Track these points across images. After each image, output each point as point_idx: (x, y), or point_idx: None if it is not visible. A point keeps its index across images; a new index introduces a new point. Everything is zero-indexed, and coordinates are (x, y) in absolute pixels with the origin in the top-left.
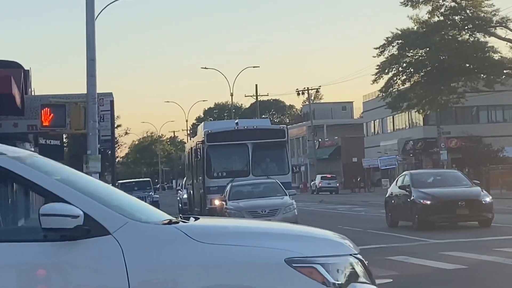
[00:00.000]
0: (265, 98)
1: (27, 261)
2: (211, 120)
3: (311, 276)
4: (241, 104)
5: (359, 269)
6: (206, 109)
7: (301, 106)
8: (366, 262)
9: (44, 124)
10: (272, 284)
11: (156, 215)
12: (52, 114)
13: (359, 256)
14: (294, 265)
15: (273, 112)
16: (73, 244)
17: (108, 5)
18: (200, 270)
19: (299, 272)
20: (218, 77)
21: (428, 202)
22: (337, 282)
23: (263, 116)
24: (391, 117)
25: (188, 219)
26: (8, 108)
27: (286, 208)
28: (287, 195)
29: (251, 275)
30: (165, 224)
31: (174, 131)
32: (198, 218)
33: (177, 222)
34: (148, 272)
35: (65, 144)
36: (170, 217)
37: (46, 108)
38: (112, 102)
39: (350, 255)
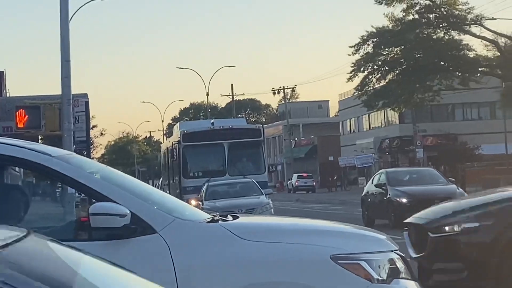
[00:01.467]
0: (241, 98)
1: None
2: (186, 120)
3: (356, 272)
4: (217, 104)
5: (400, 265)
6: (182, 109)
7: (277, 105)
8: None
9: (19, 125)
10: (318, 280)
11: (197, 214)
12: (27, 116)
13: (399, 252)
14: (339, 261)
15: (249, 112)
16: (121, 243)
17: (82, 5)
18: (247, 267)
19: (345, 268)
20: (194, 77)
21: (404, 200)
22: (381, 278)
23: (239, 115)
24: (367, 115)
25: (226, 217)
26: None
27: (262, 208)
28: (263, 194)
29: (298, 272)
30: (209, 222)
31: (150, 131)
32: (237, 217)
33: (219, 221)
34: (196, 271)
35: None
36: (210, 215)
37: (21, 110)
38: (87, 103)
39: (392, 251)
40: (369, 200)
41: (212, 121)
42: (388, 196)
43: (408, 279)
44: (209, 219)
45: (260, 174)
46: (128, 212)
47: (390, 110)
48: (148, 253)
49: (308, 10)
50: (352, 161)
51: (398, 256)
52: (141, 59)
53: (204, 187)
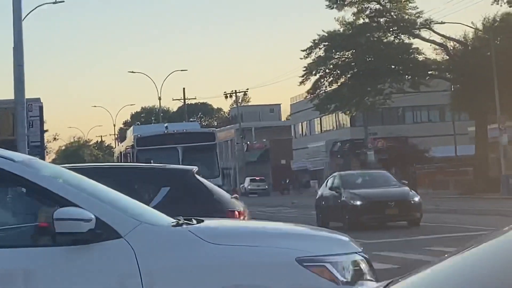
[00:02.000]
0: (193, 102)
1: (41, 265)
2: (138, 124)
3: (322, 275)
4: (169, 108)
5: (364, 266)
6: (134, 113)
7: (229, 109)
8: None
9: None
10: (284, 283)
11: (162, 218)
12: None
13: (363, 254)
14: (305, 264)
15: (201, 116)
16: (86, 248)
17: (34, 9)
18: (213, 271)
19: (310, 271)
20: (145, 81)
21: (358, 203)
22: (345, 280)
23: (191, 119)
24: (319, 119)
25: (190, 220)
26: None
27: None
28: None
29: (264, 275)
30: (174, 226)
31: (101, 136)
32: (202, 220)
33: (184, 224)
34: (162, 275)
35: None
36: (175, 219)
37: None
38: (41, 108)
39: (356, 253)
40: (323, 203)
41: (165, 125)
42: (342, 198)
43: (372, 280)
44: (174, 223)
45: (215, 178)
46: (93, 216)
47: (341, 113)
48: (113, 258)
49: (260, 14)
50: (304, 164)
51: (362, 258)
52: (92, 63)
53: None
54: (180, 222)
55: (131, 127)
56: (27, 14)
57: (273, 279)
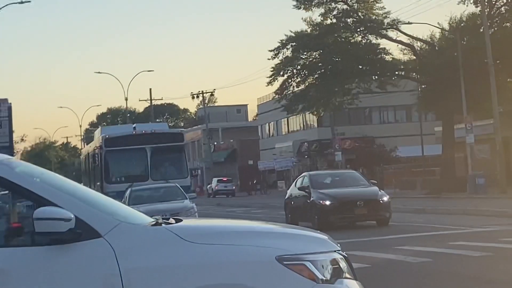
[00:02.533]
0: (159, 102)
1: (20, 265)
2: (104, 125)
3: (301, 273)
4: (135, 109)
5: (343, 264)
6: (100, 114)
7: (196, 110)
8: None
9: None
10: (264, 281)
11: (141, 217)
12: None
13: (342, 252)
14: (285, 262)
15: (168, 116)
16: (66, 248)
17: (0, 8)
18: (193, 270)
19: (290, 269)
20: (112, 82)
21: (327, 203)
22: (325, 278)
23: (158, 120)
24: (286, 119)
25: (168, 220)
26: None
27: (187, 212)
28: (187, 198)
29: (243, 273)
30: (153, 225)
31: (67, 137)
32: (180, 220)
33: (163, 224)
34: (142, 274)
35: None
36: (153, 218)
37: None
38: (10, 108)
39: (335, 251)
40: (292, 203)
41: (134, 125)
42: (312, 198)
43: (351, 278)
44: (153, 222)
45: (183, 179)
46: (73, 216)
47: (309, 113)
48: (93, 257)
49: (226, 13)
50: (272, 165)
51: (341, 256)
52: (58, 64)
53: (127, 192)
54: (159, 221)
55: (99, 128)
56: None
57: (253, 277)
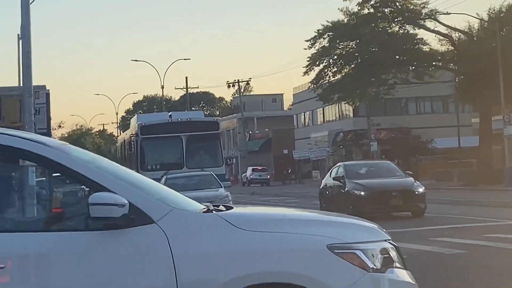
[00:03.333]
0: (195, 91)
1: (75, 250)
2: (140, 112)
3: (352, 262)
4: (171, 97)
5: (393, 254)
6: (136, 101)
7: (231, 99)
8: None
9: None
10: (315, 269)
11: (192, 204)
12: None
13: (392, 241)
14: (336, 251)
15: (203, 105)
16: (119, 233)
17: None
18: (244, 257)
19: (341, 257)
20: (148, 70)
21: (362, 193)
22: (375, 267)
23: (193, 108)
24: (321, 109)
25: (218, 207)
26: None
27: (221, 200)
28: (222, 187)
29: (295, 261)
30: (204, 212)
31: (103, 124)
32: (231, 207)
33: (213, 210)
34: (194, 260)
35: None
36: (204, 205)
37: None
38: (47, 95)
39: (385, 240)
40: (327, 192)
41: (170, 113)
42: (346, 188)
43: (401, 268)
44: (204, 209)
45: (218, 167)
46: (127, 202)
47: (345, 103)
48: (147, 242)
49: (264, 3)
50: (307, 155)
51: (392, 246)
52: (96, 51)
53: (163, 180)
54: (210, 208)
55: (135, 116)
56: (33, 1)
57: (304, 265)
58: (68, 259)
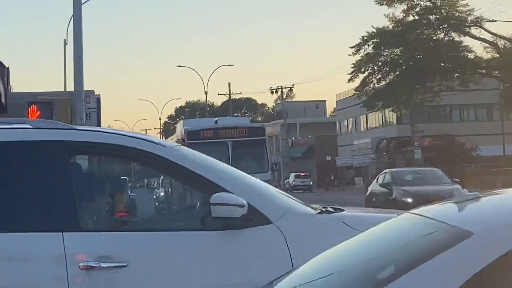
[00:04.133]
0: (238, 97)
1: (192, 248)
2: (183, 118)
3: None
4: (213, 103)
5: None
6: (178, 107)
7: (273, 105)
8: None
9: None
10: None
11: (304, 206)
12: (39, 112)
13: None
14: None
15: (245, 111)
16: (238, 233)
17: (85, 1)
18: None
19: None
20: (191, 75)
21: (409, 200)
22: None
23: (235, 114)
24: (365, 115)
25: (326, 208)
26: None
27: None
28: None
29: None
30: (319, 213)
31: (146, 129)
32: (342, 209)
33: (328, 212)
34: None
35: None
36: (318, 207)
37: (33, 106)
38: (98, 100)
39: None
40: (373, 199)
41: (215, 119)
42: (393, 195)
43: None
44: (318, 211)
45: (264, 173)
46: (246, 203)
47: (389, 111)
48: (265, 243)
49: (307, 10)
50: (349, 161)
51: None
52: (139, 57)
53: None
54: (324, 210)
55: (181, 121)
56: (86, 1)
57: None
58: (185, 258)
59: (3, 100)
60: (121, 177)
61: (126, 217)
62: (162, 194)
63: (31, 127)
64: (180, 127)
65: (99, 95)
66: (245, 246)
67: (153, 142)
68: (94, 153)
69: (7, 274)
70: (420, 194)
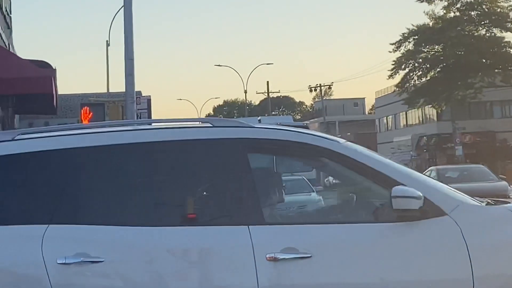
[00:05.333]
0: (276, 95)
1: (375, 240)
2: (221, 117)
3: None
4: (251, 101)
5: None
6: (216, 106)
7: (312, 103)
8: None
9: (83, 122)
10: None
11: (469, 197)
12: (91, 113)
13: None
14: None
15: (283, 109)
16: (414, 225)
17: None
18: None
19: None
20: (230, 74)
21: None
22: None
23: (273, 113)
24: (404, 113)
25: (489, 201)
26: (46, 107)
27: (313, 205)
28: (314, 191)
29: None
30: (487, 205)
31: None
32: (506, 202)
33: (493, 204)
34: (488, 251)
35: None
36: (484, 200)
37: (86, 107)
38: (149, 101)
39: None
40: None
41: (259, 118)
42: None
43: None
44: (485, 203)
45: (309, 172)
46: (422, 195)
47: (431, 107)
48: (440, 234)
49: (346, 7)
50: (390, 158)
51: None
52: (179, 57)
53: None
54: (491, 202)
55: None
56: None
57: None
58: (370, 249)
59: (54, 102)
60: (298, 173)
61: (306, 210)
62: (337, 188)
63: (212, 125)
64: None
65: (150, 96)
66: (423, 236)
67: (326, 138)
68: (271, 149)
69: (203, 263)
70: (465, 191)
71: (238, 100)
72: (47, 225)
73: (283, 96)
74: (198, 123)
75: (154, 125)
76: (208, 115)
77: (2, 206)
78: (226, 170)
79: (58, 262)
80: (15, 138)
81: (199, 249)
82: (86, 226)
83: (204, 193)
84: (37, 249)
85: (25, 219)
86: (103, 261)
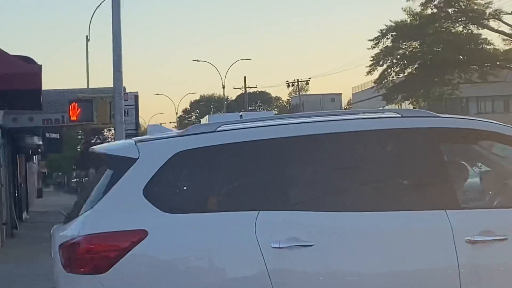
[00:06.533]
0: (252, 90)
1: None
2: (197, 112)
3: None
4: (228, 96)
5: None
6: (193, 101)
7: (288, 98)
8: None
9: (72, 118)
10: None
11: None
12: (79, 109)
13: None
14: None
15: (260, 104)
16: None
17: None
18: None
19: None
20: (208, 70)
21: None
22: None
23: (249, 108)
24: (381, 108)
25: None
26: (32, 103)
27: None
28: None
29: None
30: None
31: (161, 123)
32: None
33: None
34: None
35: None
36: None
37: (74, 103)
38: (136, 97)
39: None
40: None
41: (240, 113)
42: None
43: None
44: None
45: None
46: None
47: (409, 103)
48: None
49: (323, 4)
50: None
51: None
52: (157, 52)
53: None
54: None
55: (206, 116)
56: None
57: None
58: None
59: (41, 98)
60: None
61: (490, 195)
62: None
63: (400, 116)
64: (205, 121)
65: (137, 92)
66: None
67: (494, 123)
68: (459, 138)
69: (407, 246)
70: None
71: (215, 95)
72: (257, 212)
73: (259, 92)
74: (386, 113)
75: (347, 116)
76: (185, 110)
77: (214, 193)
78: (421, 158)
79: (272, 246)
80: (217, 130)
81: (403, 233)
82: (294, 212)
83: (404, 181)
84: (251, 233)
85: (236, 205)
86: (313, 245)
